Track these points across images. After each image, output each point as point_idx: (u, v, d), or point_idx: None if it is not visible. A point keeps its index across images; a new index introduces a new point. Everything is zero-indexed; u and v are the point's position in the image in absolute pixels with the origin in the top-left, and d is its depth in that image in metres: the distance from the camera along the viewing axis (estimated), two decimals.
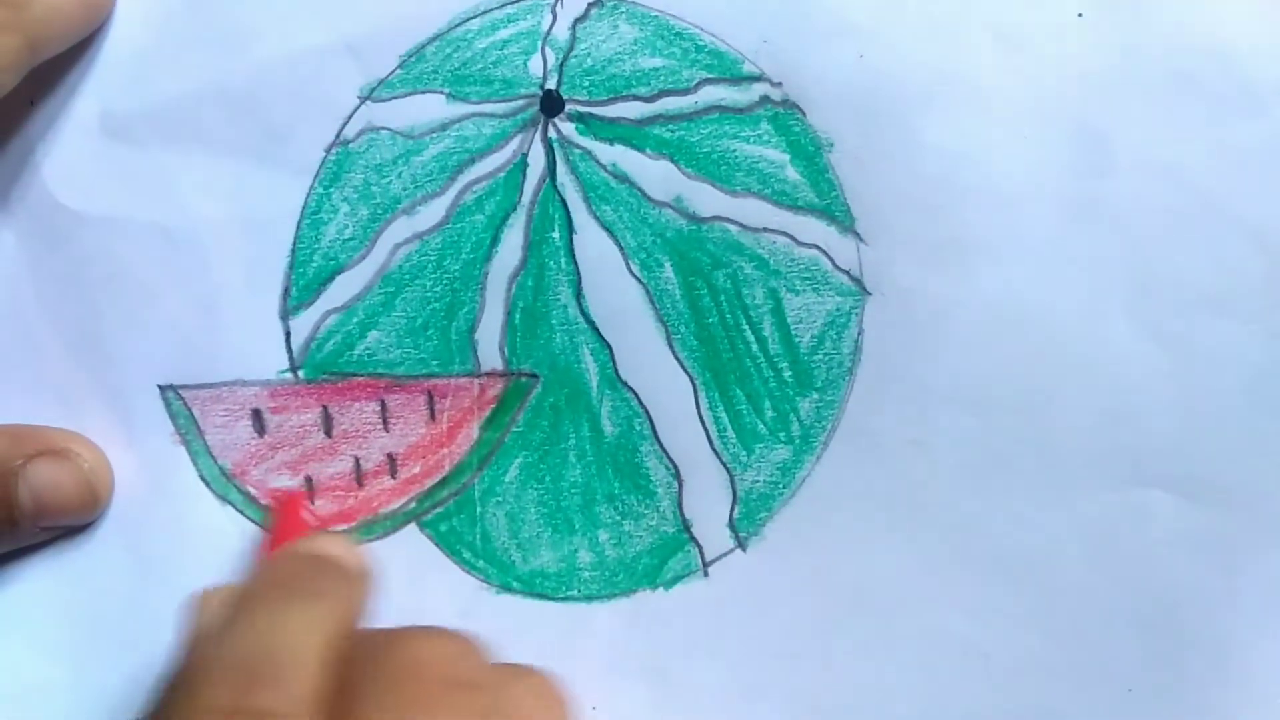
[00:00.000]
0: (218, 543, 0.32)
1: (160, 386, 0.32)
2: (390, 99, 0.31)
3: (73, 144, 0.32)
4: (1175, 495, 0.29)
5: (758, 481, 0.31)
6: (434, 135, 0.31)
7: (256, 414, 0.32)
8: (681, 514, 0.31)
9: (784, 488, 0.31)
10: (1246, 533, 0.29)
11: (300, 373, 0.32)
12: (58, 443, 0.31)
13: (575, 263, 0.31)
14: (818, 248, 0.30)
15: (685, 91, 0.30)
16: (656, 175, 0.31)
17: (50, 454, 0.31)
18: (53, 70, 0.31)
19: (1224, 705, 0.30)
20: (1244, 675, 0.30)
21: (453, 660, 0.23)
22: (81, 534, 0.32)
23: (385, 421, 0.31)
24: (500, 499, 0.31)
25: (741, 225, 0.31)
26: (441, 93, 0.31)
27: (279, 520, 0.31)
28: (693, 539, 0.31)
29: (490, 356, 0.31)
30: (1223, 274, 0.29)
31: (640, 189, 0.31)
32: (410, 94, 0.31)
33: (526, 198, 0.31)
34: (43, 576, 0.32)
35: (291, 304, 0.31)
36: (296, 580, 0.25)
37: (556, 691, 0.25)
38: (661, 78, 0.31)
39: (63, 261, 0.32)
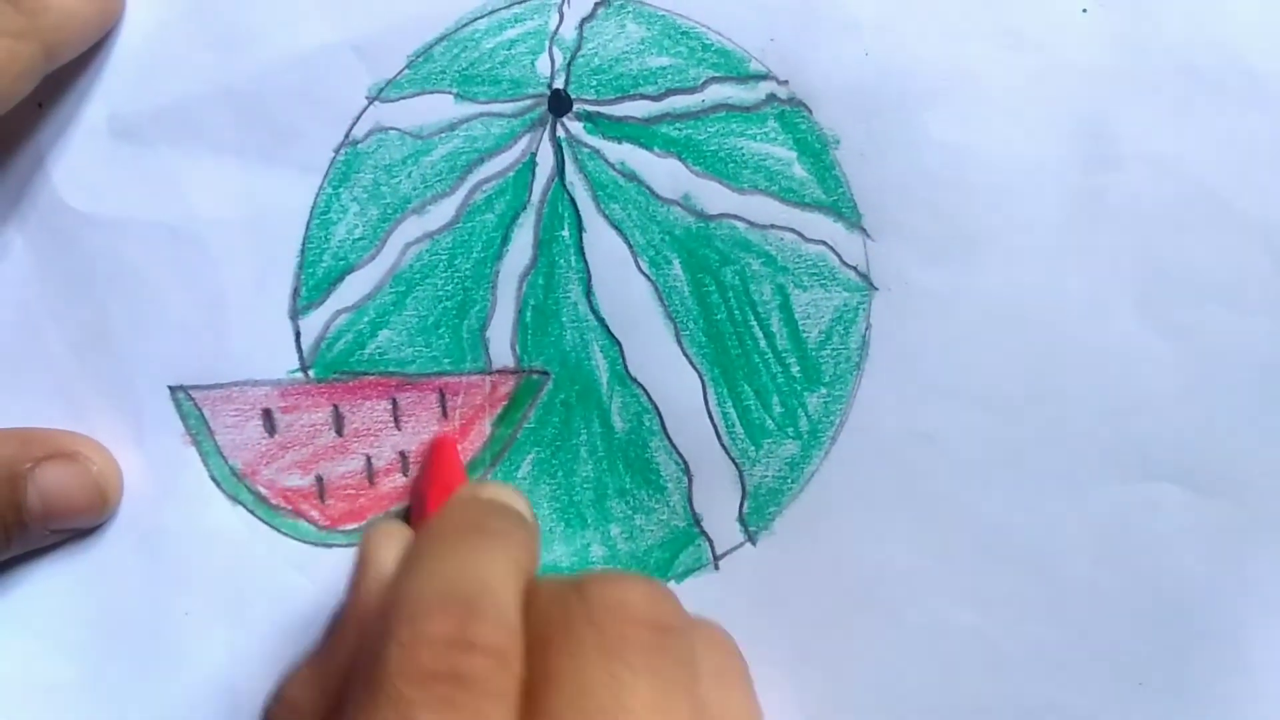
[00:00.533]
0: (228, 542, 0.32)
1: (170, 387, 0.32)
2: (398, 99, 0.31)
3: (81, 146, 0.32)
4: (1184, 488, 0.30)
5: (767, 476, 0.31)
6: (443, 135, 0.31)
7: (267, 414, 0.32)
8: (692, 508, 0.31)
9: (793, 482, 0.31)
10: (1256, 525, 0.29)
11: (311, 372, 0.32)
12: (67, 446, 0.31)
13: (585, 260, 0.31)
14: (825, 244, 0.31)
15: (692, 90, 0.31)
16: (664, 173, 0.31)
17: (59, 457, 0.31)
18: (61, 72, 0.31)
19: (1235, 698, 0.30)
20: (1254, 668, 0.30)
21: (656, 603, 0.22)
22: (93, 535, 0.32)
23: (397, 420, 0.32)
24: None
25: (749, 222, 0.31)
26: (449, 93, 0.31)
27: (435, 464, 0.31)
28: (703, 533, 0.31)
29: (501, 354, 0.31)
30: (1230, 267, 0.29)
31: (648, 187, 0.31)
32: (418, 94, 0.31)
33: (536, 196, 0.31)
34: (55, 577, 0.32)
35: (301, 304, 0.32)
36: (486, 522, 0.25)
37: (733, 644, 0.25)
38: (669, 77, 0.31)
39: (71, 263, 0.32)
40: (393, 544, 0.25)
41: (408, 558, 0.24)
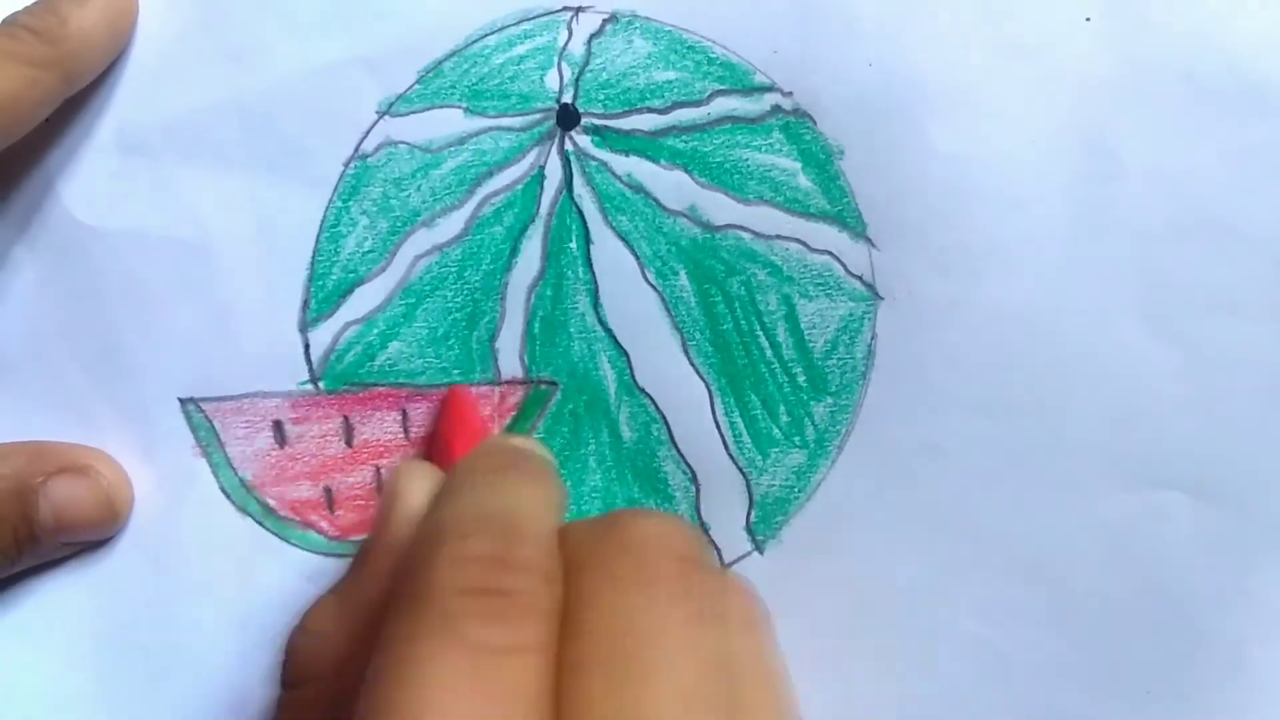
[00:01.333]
0: (238, 553, 0.32)
1: (181, 399, 0.32)
2: (408, 113, 0.31)
3: (90, 160, 0.32)
4: (1191, 497, 0.30)
5: (774, 485, 0.31)
6: (452, 149, 0.31)
7: (277, 425, 0.32)
8: (699, 518, 0.32)
9: (799, 491, 0.31)
10: (1263, 533, 0.29)
11: (321, 384, 0.32)
12: (78, 460, 0.31)
13: (593, 272, 0.32)
14: (830, 254, 0.31)
15: (698, 103, 0.31)
16: (671, 185, 0.31)
17: (71, 471, 0.31)
18: None
19: (1241, 706, 0.30)
20: (1261, 676, 0.30)
21: (687, 539, 0.23)
22: (103, 547, 0.32)
23: (406, 430, 0.32)
24: None
25: (755, 233, 0.31)
26: (459, 107, 0.31)
27: (457, 413, 0.31)
28: (711, 542, 0.32)
29: (510, 365, 0.32)
30: (1233, 276, 0.29)
31: (655, 199, 0.31)
32: (428, 109, 0.31)
33: (544, 209, 0.32)
34: (66, 589, 0.32)
35: (311, 316, 0.32)
36: (520, 462, 0.25)
37: (757, 595, 0.25)
38: (675, 90, 0.31)
39: (81, 276, 0.32)
40: (423, 481, 0.26)
41: (444, 490, 0.24)
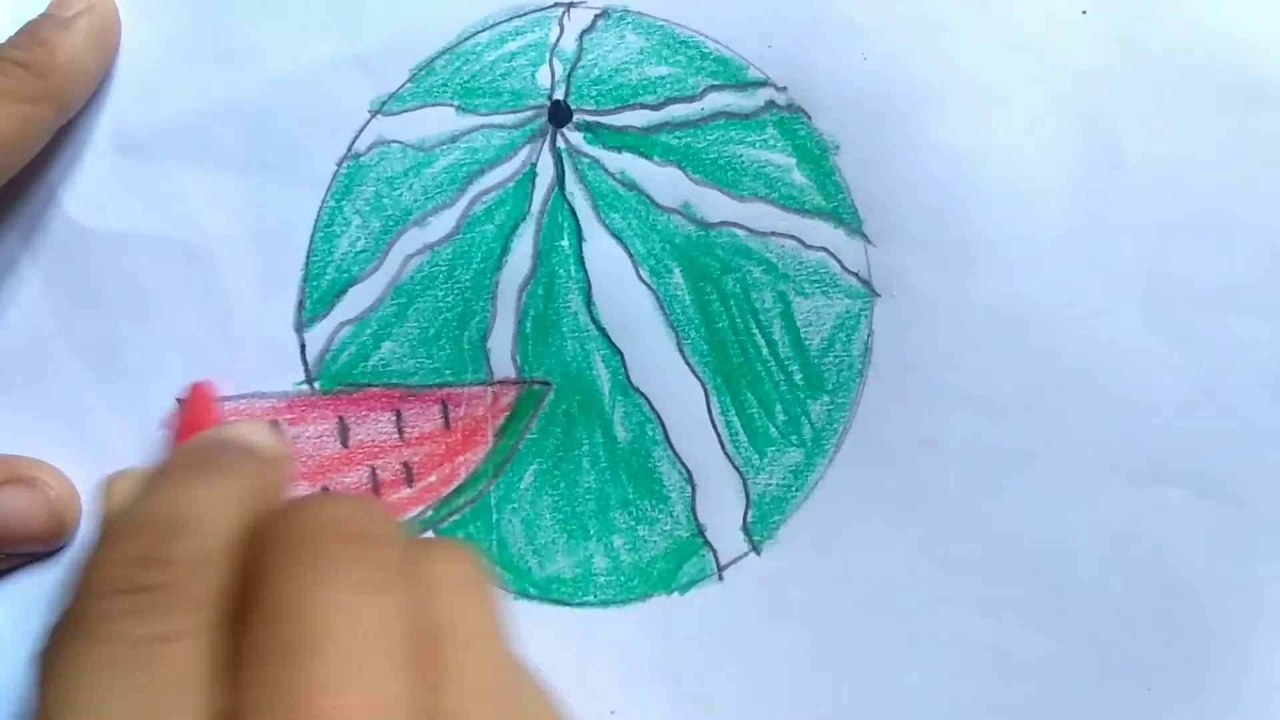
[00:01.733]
0: None
1: (178, 400, 0.32)
2: (400, 112, 0.31)
3: (86, 161, 0.32)
4: (1191, 492, 0.29)
5: (770, 485, 0.31)
6: (444, 147, 0.31)
7: (274, 426, 0.32)
8: (695, 518, 0.31)
9: (797, 490, 0.31)
10: (1264, 528, 0.29)
11: (316, 384, 0.32)
12: (24, 471, 0.31)
13: (585, 270, 0.31)
14: (826, 250, 0.31)
15: (691, 99, 0.31)
16: (664, 182, 0.31)
17: (17, 482, 0.31)
18: None
19: (1243, 702, 0.30)
20: (1263, 672, 0.29)
21: (360, 518, 0.22)
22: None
23: (401, 431, 0.32)
24: (516, 506, 0.32)
25: (749, 229, 0.31)
26: (451, 105, 0.31)
27: (187, 411, 0.31)
28: (707, 543, 0.31)
29: (503, 365, 0.32)
30: (1234, 269, 0.29)
31: (648, 196, 0.31)
32: (420, 107, 0.31)
33: (536, 207, 0.31)
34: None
35: (306, 316, 0.32)
36: (204, 458, 0.25)
37: (472, 555, 0.24)
38: (667, 86, 0.31)
39: (78, 278, 0.32)
40: (128, 486, 0.26)
41: (122, 495, 0.24)
